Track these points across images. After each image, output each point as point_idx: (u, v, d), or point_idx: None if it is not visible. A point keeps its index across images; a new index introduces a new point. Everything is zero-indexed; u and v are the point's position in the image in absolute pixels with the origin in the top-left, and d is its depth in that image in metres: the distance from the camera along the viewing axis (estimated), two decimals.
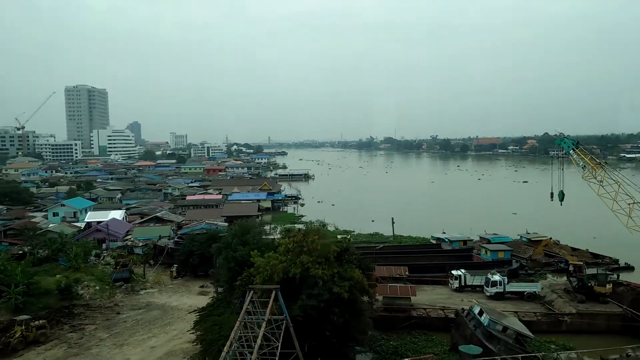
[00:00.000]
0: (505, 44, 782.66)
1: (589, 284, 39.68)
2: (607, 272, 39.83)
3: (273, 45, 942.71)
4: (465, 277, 44.06)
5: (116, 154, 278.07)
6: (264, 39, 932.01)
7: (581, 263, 43.23)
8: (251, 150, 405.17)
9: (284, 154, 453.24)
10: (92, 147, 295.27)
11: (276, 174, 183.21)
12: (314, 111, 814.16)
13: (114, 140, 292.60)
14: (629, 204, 33.06)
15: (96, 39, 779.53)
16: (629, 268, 54.28)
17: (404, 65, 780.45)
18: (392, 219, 73.24)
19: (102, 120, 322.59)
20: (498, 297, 41.46)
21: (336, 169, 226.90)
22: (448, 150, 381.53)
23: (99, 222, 67.27)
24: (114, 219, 67.88)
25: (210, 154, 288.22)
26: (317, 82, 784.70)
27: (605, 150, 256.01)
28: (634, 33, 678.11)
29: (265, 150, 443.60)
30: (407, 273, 44.86)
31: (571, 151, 38.37)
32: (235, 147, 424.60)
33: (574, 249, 60.67)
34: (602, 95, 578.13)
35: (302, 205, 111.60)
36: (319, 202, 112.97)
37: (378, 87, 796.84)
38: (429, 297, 42.71)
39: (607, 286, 39.21)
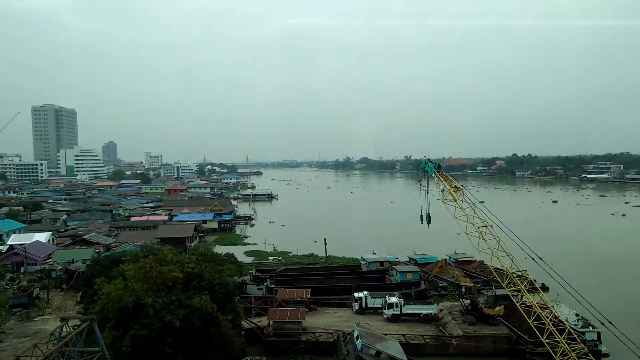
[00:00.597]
0: (484, 64, 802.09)
1: (480, 306, 39.63)
2: (500, 294, 39.62)
3: (252, 67, 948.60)
4: (366, 299, 43.63)
5: (83, 174, 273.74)
6: (248, 60, 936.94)
7: (472, 284, 43.19)
8: (225, 170, 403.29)
9: (258, 173, 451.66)
10: (59, 167, 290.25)
11: (239, 194, 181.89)
12: (293, 131, 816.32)
13: (82, 160, 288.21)
14: (479, 227, 33.36)
15: (74, 59, 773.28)
16: (543, 289, 54.46)
17: (384, 86, 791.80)
18: (325, 240, 72.88)
19: (70, 140, 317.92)
20: (395, 319, 41.07)
21: (304, 188, 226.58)
22: (418, 170, 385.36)
23: (21, 245, 65.36)
24: (36, 242, 65.98)
25: (180, 174, 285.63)
26: (296, 103, 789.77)
27: (568, 171, 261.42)
28: (604, 58, 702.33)
29: (240, 170, 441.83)
30: (308, 296, 44.26)
31: (433, 174, 38.80)
32: (209, 167, 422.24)
33: (496, 269, 60.77)
34: (580, 115, 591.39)
35: (252, 225, 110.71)
36: (270, 222, 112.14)
37: (357, 107, 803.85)
38: (328, 321, 42.06)
39: (497, 308, 39.17)
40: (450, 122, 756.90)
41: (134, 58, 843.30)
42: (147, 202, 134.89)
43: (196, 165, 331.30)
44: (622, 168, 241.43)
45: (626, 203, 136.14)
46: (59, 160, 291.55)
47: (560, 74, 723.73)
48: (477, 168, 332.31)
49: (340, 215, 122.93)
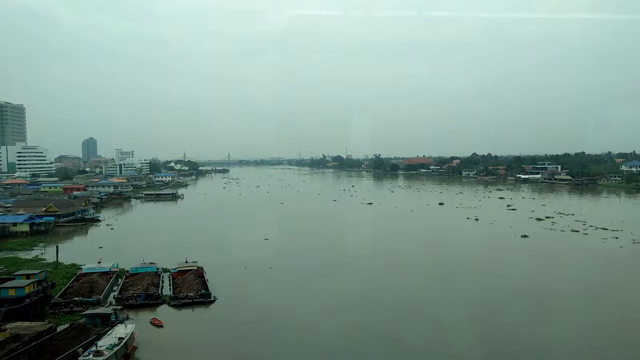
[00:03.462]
0: (471, 63, 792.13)
1: None
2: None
3: (244, 63, 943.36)
4: None
5: (25, 171, 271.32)
6: (241, 56, 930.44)
7: None
8: (186, 168, 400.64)
9: (225, 171, 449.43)
10: (1, 164, 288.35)
11: (142, 194, 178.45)
12: (279, 128, 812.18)
13: (24, 157, 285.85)
14: None
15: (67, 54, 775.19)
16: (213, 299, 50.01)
17: (367, 84, 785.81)
18: (57, 247, 68.56)
19: (16, 137, 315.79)
20: None
21: (245, 188, 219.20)
22: (381, 169, 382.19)
23: None
24: None
25: (123, 171, 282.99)
26: (284, 100, 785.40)
27: (508, 171, 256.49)
28: (592, 58, 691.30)
29: (203, 168, 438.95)
30: None
31: None
32: (172, 164, 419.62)
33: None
34: (567, 114, 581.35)
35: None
36: (111, 228, 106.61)
37: (340, 105, 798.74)
38: None
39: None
40: (428, 121, 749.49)
41: (125, 53, 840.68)
42: (7, 202, 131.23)
43: (147, 162, 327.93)
44: (559, 169, 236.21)
45: (508, 206, 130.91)
46: (0, 157, 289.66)
47: (546, 72, 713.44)
48: (430, 167, 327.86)
49: (217, 222, 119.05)
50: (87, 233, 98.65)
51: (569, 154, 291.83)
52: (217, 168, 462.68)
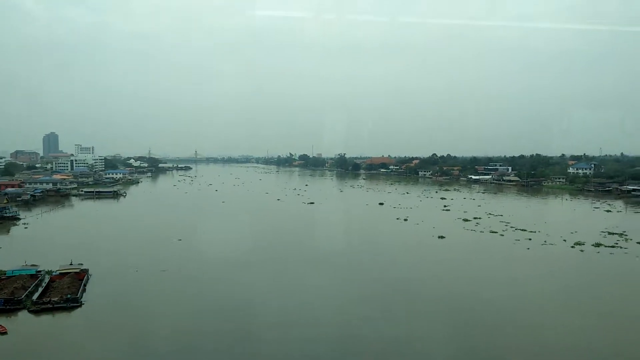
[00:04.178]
0: (441, 64, 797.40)
1: None
2: None
3: (218, 58, 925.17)
4: None
5: None
6: (219, 51, 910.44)
7: None
8: (145, 165, 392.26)
9: (187, 169, 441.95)
10: None
11: (81, 191, 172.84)
12: (251, 126, 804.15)
13: None
14: None
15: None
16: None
17: (340, 83, 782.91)
18: None
19: None
20: None
21: (196, 186, 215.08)
22: (343, 168, 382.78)
23: None
24: None
25: (75, 167, 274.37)
26: (257, 98, 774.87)
27: (463, 172, 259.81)
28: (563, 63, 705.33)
29: (163, 165, 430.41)
30: None
31: None
32: (132, 160, 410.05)
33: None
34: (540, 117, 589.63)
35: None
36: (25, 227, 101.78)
37: (312, 104, 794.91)
38: None
39: None
40: (398, 121, 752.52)
41: (100, 47, 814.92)
42: None
43: (101, 158, 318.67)
44: (509, 170, 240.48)
45: (444, 207, 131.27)
46: None
47: (514, 78, 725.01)
48: (390, 167, 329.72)
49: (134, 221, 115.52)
50: None
51: (524, 155, 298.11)
52: (180, 165, 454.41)
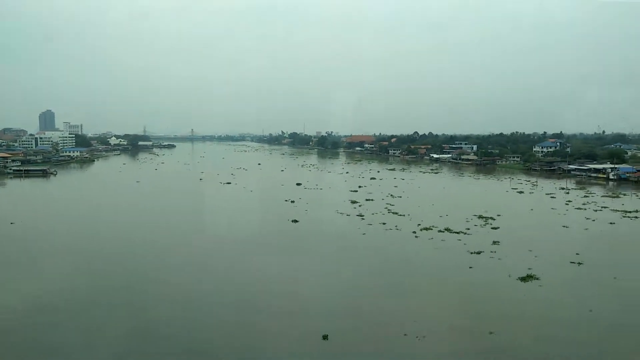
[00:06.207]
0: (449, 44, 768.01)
1: None
2: None
3: (223, 37, 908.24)
4: None
5: None
6: (222, 30, 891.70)
7: None
8: (125, 142, 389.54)
9: (171, 146, 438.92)
10: None
11: (11, 169, 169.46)
12: (253, 105, 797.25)
13: None
14: None
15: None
16: None
17: (344, 60, 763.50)
18: None
19: None
20: None
21: (156, 165, 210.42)
22: (323, 146, 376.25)
23: None
24: None
25: (39, 144, 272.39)
26: (262, 75, 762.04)
27: (429, 150, 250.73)
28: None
29: (143, 143, 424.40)
30: None
31: None
32: (113, 138, 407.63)
33: None
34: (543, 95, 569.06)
35: None
36: None
37: (313, 82, 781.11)
38: None
39: None
40: (398, 99, 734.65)
41: (99, 25, 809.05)
42: None
43: (71, 136, 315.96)
44: (474, 148, 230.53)
45: (359, 187, 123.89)
46: None
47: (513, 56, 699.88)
48: (365, 145, 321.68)
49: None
50: None
51: (503, 133, 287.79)
52: (163, 144, 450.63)
